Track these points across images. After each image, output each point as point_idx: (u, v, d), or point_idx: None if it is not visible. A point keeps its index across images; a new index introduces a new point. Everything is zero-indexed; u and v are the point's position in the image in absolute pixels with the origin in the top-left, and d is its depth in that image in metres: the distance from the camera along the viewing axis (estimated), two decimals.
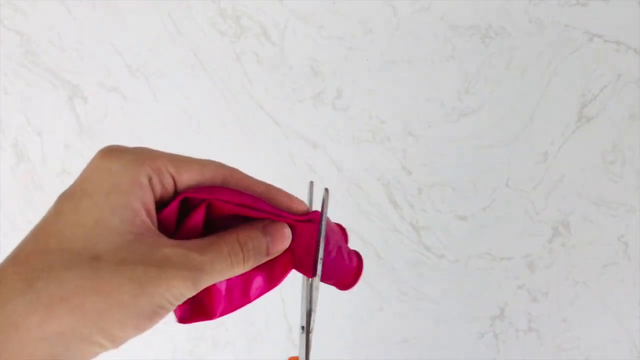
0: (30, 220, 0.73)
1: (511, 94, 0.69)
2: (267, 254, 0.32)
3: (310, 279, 0.34)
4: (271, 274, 0.34)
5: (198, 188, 0.31)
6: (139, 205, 0.28)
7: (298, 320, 0.77)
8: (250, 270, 0.32)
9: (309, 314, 0.34)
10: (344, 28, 0.69)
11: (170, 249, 0.28)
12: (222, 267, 0.29)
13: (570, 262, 0.72)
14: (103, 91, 0.71)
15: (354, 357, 0.75)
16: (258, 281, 0.34)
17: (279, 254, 0.33)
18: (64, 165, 0.72)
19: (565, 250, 0.71)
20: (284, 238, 0.33)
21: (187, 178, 0.30)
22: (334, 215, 0.73)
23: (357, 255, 0.38)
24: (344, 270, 0.37)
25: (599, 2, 0.68)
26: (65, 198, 0.28)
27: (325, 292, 0.75)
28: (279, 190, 0.33)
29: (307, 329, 0.34)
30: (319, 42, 0.69)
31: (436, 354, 0.74)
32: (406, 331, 0.74)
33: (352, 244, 0.74)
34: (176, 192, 0.31)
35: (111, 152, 0.29)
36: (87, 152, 0.72)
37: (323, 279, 0.35)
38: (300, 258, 0.34)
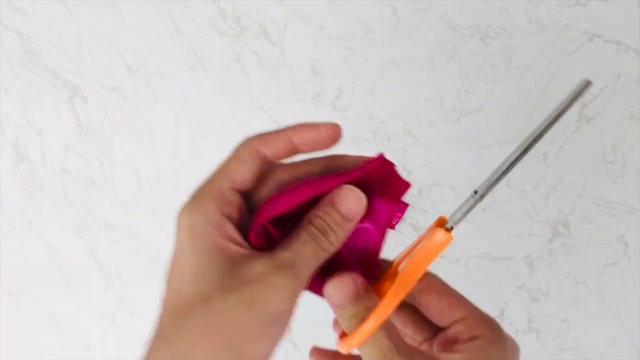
0: (30, 220, 0.73)
1: (511, 94, 0.69)
2: (348, 219, 0.33)
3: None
4: (376, 219, 0.35)
5: (266, 208, 0.33)
6: (221, 240, 0.31)
7: (299, 321, 0.77)
8: (361, 226, 0.34)
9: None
10: (344, 28, 0.69)
11: (261, 260, 0.30)
12: (311, 252, 0.31)
13: (570, 262, 0.72)
14: (103, 91, 0.71)
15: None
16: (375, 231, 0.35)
17: (361, 213, 0.33)
18: (64, 165, 0.72)
19: (565, 250, 0.71)
20: (354, 197, 0.33)
21: (240, 177, 0.33)
22: None
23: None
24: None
25: (599, 2, 0.68)
26: (170, 262, 0.32)
27: None
28: (302, 125, 0.34)
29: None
30: (319, 42, 0.69)
31: None
32: None
33: None
34: (244, 193, 0.33)
35: (183, 211, 0.32)
36: (87, 152, 0.72)
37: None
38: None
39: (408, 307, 0.37)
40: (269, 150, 0.34)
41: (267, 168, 0.35)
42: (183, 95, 0.71)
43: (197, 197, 0.32)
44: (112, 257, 0.73)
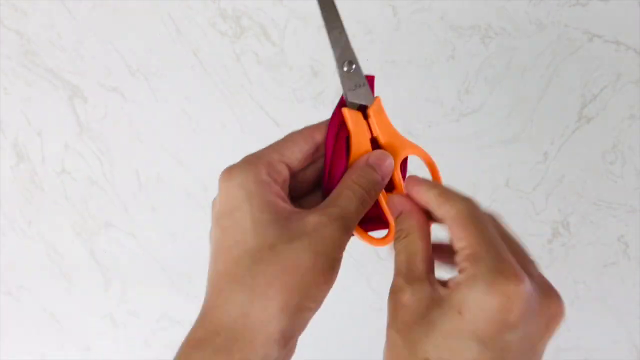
0: (30, 220, 0.73)
1: (511, 94, 0.69)
2: (383, 179, 0.38)
3: None
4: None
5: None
6: (274, 197, 0.34)
7: None
8: None
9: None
10: None
11: (315, 214, 0.34)
12: (355, 208, 0.36)
13: (570, 262, 0.72)
14: (103, 91, 0.71)
15: (352, 357, 0.75)
16: None
17: (391, 173, 0.38)
18: (64, 165, 0.72)
19: (565, 251, 0.71)
20: (389, 161, 0.38)
21: (290, 154, 0.37)
22: None
23: None
24: None
25: (599, 2, 0.68)
26: (220, 218, 0.35)
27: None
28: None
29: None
30: (319, 42, 0.69)
31: None
32: None
33: (353, 243, 0.74)
34: (292, 170, 0.37)
35: (230, 171, 0.35)
36: (87, 152, 0.72)
37: None
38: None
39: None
40: (321, 136, 0.38)
41: (317, 155, 0.38)
42: (183, 95, 0.71)
43: (248, 161, 0.35)
44: (111, 257, 0.73)
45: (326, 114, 0.70)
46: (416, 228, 0.34)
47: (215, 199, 0.36)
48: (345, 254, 0.75)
